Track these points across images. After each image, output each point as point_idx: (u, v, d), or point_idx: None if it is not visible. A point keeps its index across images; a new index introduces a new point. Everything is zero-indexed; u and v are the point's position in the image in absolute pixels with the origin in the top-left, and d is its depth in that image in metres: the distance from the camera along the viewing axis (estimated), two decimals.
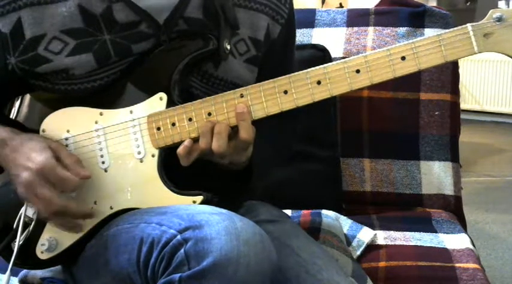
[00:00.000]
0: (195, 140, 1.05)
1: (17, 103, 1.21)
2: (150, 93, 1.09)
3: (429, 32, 1.71)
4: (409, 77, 1.05)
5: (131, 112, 1.09)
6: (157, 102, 1.08)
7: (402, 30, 1.74)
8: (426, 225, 1.59)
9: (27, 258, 1.12)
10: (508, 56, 1.02)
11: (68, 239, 1.10)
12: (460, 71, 1.79)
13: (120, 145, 1.09)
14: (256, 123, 1.06)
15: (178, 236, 0.91)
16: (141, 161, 1.08)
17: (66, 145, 1.10)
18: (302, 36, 1.78)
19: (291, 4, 1.22)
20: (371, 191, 1.73)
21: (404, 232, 1.54)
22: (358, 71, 1.03)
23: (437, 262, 1.38)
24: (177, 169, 1.05)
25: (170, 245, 0.91)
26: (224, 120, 1.05)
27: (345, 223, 1.55)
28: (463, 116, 1.96)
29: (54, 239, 1.10)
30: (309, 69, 1.05)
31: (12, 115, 1.22)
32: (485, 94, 5.67)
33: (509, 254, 2.80)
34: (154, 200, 1.06)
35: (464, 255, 1.42)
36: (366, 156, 1.73)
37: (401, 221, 1.62)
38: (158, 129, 1.07)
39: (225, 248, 0.88)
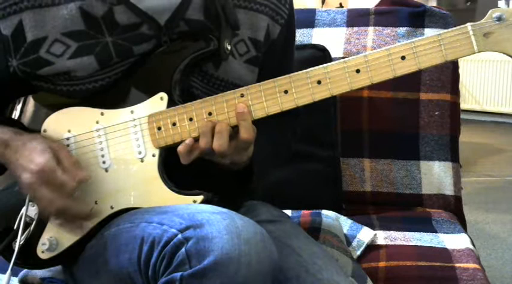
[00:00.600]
0: (196, 139, 1.05)
1: (19, 104, 1.22)
2: (151, 93, 1.09)
3: (429, 32, 1.72)
4: (409, 77, 1.05)
5: (132, 112, 1.09)
6: (158, 102, 1.08)
7: (402, 30, 1.74)
8: (426, 225, 1.60)
9: (28, 258, 1.12)
10: (508, 55, 1.02)
11: (68, 239, 1.10)
12: (460, 71, 1.79)
13: (121, 145, 1.09)
14: (257, 123, 1.06)
15: (179, 236, 0.91)
16: (142, 161, 1.08)
17: (67, 145, 1.11)
18: (302, 36, 1.78)
19: (291, 4, 1.22)
20: (371, 191, 1.73)
21: (404, 232, 1.55)
22: (358, 71, 1.03)
23: (437, 262, 1.39)
24: (178, 169, 1.05)
25: (171, 245, 0.91)
26: (225, 119, 1.05)
27: (345, 223, 1.55)
28: (463, 116, 1.96)
29: (54, 239, 1.10)
30: (309, 69, 1.05)
31: (14, 115, 1.22)
32: (485, 94, 5.67)
33: (509, 254, 2.80)
34: (154, 200, 1.07)
35: (464, 255, 1.42)
36: (366, 156, 1.73)
37: (401, 221, 1.62)
38: (159, 128, 1.08)
39: (226, 247, 0.88)
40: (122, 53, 1.09)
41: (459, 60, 1.69)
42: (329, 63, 1.04)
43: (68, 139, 1.11)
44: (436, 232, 1.56)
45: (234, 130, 1.05)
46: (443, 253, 1.43)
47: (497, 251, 2.82)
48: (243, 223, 0.93)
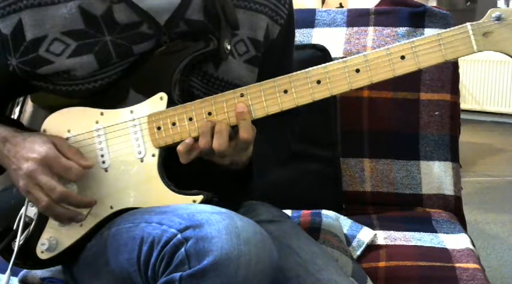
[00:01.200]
0: (196, 139, 1.05)
1: (19, 104, 1.22)
2: (151, 93, 1.09)
3: (429, 32, 1.72)
4: (409, 77, 1.05)
5: (132, 112, 1.09)
6: (158, 101, 1.08)
7: (402, 30, 1.74)
8: (426, 225, 1.60)
9: (28, 258, 1.12)
10: (508, 54, 1.02)
11: (68, 239, 1.11)
12: (460, 71, 1.79)
13: (121, 144, 1.09)
14: (256, 123, 1.06)
15: (179, 236, 0.91)
16: (142, 161, 1.08)
17: None
18: (302, 36, 1.78)
19: (291, 4, 1.22)
20: (371, 191, 1.73)
21: (405, 232, 1.55)
22: (357, 71, 1.03)
23: (437, 262, 1.39)
24: (178, 169, 1.05)
25: (171, 245, 0.91)
26: (224, 119, 1.05)
27: (345, 223, 1.55)
28: (463, 116, 1.96)
29: (54, 239, 1.10)
30: (308, 69, 1.05)
31: (14, 116, 1.22)
32: (485, 94, 5.67)
33: (509, 254, 2.80)
34: (154, 199, 1.07)
35: (464, 255, 1.42)
36: (366, 156, 1.73)
37: (401, 221, 1.62)
38: (158, 128, 1.07)
39: (226, 247, 0.88)
40: (121, 52, 1.09)
41: (459, 60, 1.69)
42: (329, 63, 1.04)
43: (67, 139, 1.11)
44: (436, 232, 1.56)
45: (234, 130, 1.05)
46: (443, 253, 1.43)
47: (497, 251, 2.82)
48: (243, 223, 0.92)
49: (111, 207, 1.09)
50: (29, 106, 1.19)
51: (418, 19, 1.75)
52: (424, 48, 1.02)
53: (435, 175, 1.71)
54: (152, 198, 1.07)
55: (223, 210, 0.96)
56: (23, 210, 1.10)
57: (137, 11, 1.09)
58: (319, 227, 1.46)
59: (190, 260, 0.89)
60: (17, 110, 1.21)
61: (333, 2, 3.44)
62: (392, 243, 1.49)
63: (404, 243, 1.49)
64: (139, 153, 1.08)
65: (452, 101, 1.73)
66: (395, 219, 1.63)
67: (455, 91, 1.74)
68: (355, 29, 1.78)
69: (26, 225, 1.11)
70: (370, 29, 1.77)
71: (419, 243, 1.49)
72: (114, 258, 1.04)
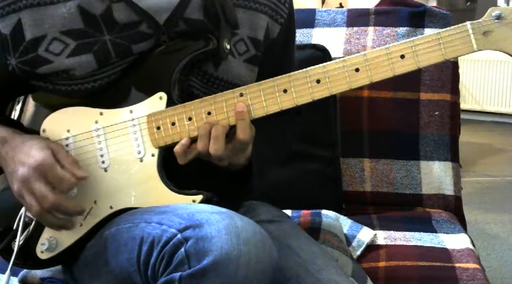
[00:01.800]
0: (194, 140, 1.05)
1: (18, 104, 1.22)
2: (150, 93, 1.09)
3: (429, 32, 1.67)
4: (409, 77, 1.05)
5: (131, 111, 1.09)
6: (157, 101, 1.08)
7: (402, 30, 1.74)
8: (426, 225, 1.60)
9: (27, 258, 1.12)
10: (508, 53, 1.02)
11: (68, 239, 1.10)
12: (460, 71, 1.79)
13: (120, 144, 1.09)
14: (256, 124, 1.06)
15: (179, 236, 0.91)
16: (141, 160, 1.08)
17: (66, 145, 1.10)
18: (302, 36, 1.78)
19: (291, 4, 1.22)
20: (371, 191, 1.73)
21: (405, 232, 1.55)
22: (357, 70, 1.03)
23: (437, 262, 1.39)
24: (177, 169, 1.05)
25: (170, 245, 0.91)
26: (224, 119, 1.05)
27: (345, 223, 1.55)
28: (463, 116, 1.96)
29: (54, 239, 1.10)
30: (308, 68, 1.05)
31: (14, 115, 1.22)
32: (485, 94, 5.66)
33: (509, 254, 2.80)
34: (154, 199, 1.06)
35: (464, 255, 1.42)
36: (366, 156, 1.73)
37: (401, 221, 1.62)
38: (158, 128, 1.07)
39: (226, 247, 0.88)
40: (120, 51, 1.09)
41: (459, 60, 1.69)
42: (328, 62, 1.04)
43: (67, 139, 1.11)
44: (436, 232, 1.56)
45: (232, 131, 1.05)
46: (443, 253, 1.43)
47: (497, 251, 2.81)
48: (243, 223, 0.92)
49: (111, 207, 1.09)
50: (30, 105, 1.19)
51: (418, 19, 1.75)
52: (424, 47, 1.02)
53: (435, 175, 1.71)
54: (152, 198, 1.07)
55: (223, 209, 0.96)
56: (23, 210, 1.10)
57: (136, 10, 1.09)
58: (319, 227, 1.46)
59: (190, 260, 0.89)
60: (17, 108, 1.21)
61: (333, 2, 3.44)
62: (392, 243, 1.49)
63: (405, 243, 1.49)
64: (139, 152, 1.08)
65: (452, 101, 1.73)
66: (395, 219, 1.63)
67: (455, 91, 1.74)
68: (355, 29, 1.78)
69: (26, 225, 1.11)
70: (370, 29, 1.77)
71: (419, 243, 1.49)
72: (114, 258, 1.04)
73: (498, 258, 2.74)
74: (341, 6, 3.34)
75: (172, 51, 1.10)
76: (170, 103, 1.08)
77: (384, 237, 1.52)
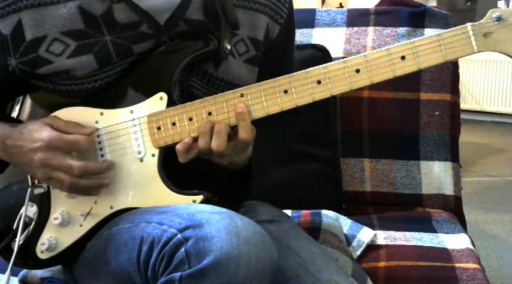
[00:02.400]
0: (195, 139, 1.05)
1: (18, 104, 1.22)
2: (151, 93, 1.09)
3: (429, 32, 1.72)
4: (409, 77, 1.05)
5: (132, 112, 1.09)
6: (158, 101, 1.08)
7: (402, 30, 1.74)
8: (426, 225, 1.60)
9: (27, 258, 1.12)
10: (508, 55, 1.02)
11: (68, 238, 1.10)
12: (460, 71, 1.80)
13: (120, 144, 1.09)
14: (256, 123, 1.06)
15: (179, 235, 0.91)
16: (141, 161, 1.08)
17: None
18: (302, 36, 1.78)
19: (291, 4, 1.22)
20: (371, 191, 1.73)
21: (404, 232, 1.55)
22: (358, 71, 1.03)
23: (437, 262, 1.39)
24: (177, 169, 1.05)
25: (170, 244, 0.91)
26: (224, 119, 1.05)
27: (345, 223, 1.55)
28: (463, 116, 1.96)
29: (54, 238, 1.10)
30: (309, 69, 1.05)
31: (13, 115, 1.22)
32: (485, 94, 5.67)
33: (509, 254, 2.80)
34: (154, 199, 1.06)
35: (464, 255, 1.42)
36: (366, 156, 1.74)
37: (401, 221, 1.62)
38: (158, 128, 1.07)
39: (226, 247, 0.88)
40: (121, 52, 1.09)
41: (459, 60, 1.69)
42: (329, 63, 1.04)
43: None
44: (436, 232, 1.56)
45: (233, 130, 1.05)
46: (443, 253, 1.43)
47: (497, 251, 2.82)
48: (243, 223, 0.92)
49: (111, 207, 1.09)
50: (29, 105, 1.19)
51: (418, 19, 1.75)
52: (425, 48, 1.02)
53: (435, 175, 1.71)
54: (152, 198, 1.07)
55: (223, 209, 0.96)
56: (23, 210, 1.10)
57: (137, 10, 1.09)
58: (319, 227, 1.46)
59: (190, 260, 0.89)
60: (17, 109, 1.21)
61: (333, 2, 3.44)
62: (392, 243, 1.50)
63: (405, 243, 1.49)
64: (139, 153, 1.08)
65: (452, 101, 1.73)
66: (395, 219, 1.63)
67: (455, 91, 1.74)
68: (355, 29, 1.78)
69: (26, 225, 1.11)
70: (370, 29, 1.77)
71: (419, 243, 1.49)
72: (114, 258, 1.04)
73: (498, 258, 2.75)
74: (341, 6, 3.33)
75: (172, 51, 1.10)
76: (170, 103, 1.08)
77: (384, 237, 1.52)
